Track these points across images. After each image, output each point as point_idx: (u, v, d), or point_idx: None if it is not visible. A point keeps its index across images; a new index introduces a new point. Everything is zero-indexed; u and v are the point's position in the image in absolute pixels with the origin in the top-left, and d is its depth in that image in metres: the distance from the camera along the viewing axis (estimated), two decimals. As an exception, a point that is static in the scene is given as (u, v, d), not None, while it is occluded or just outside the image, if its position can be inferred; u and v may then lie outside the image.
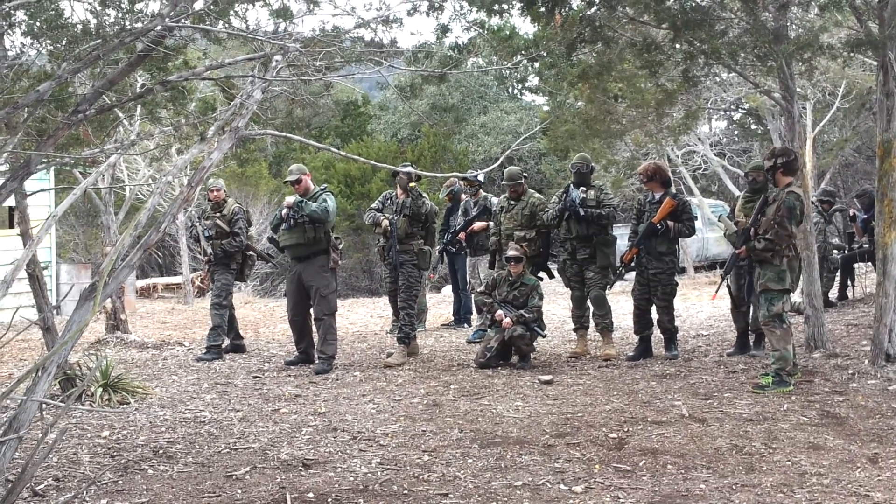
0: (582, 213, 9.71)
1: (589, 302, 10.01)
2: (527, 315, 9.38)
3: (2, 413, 6.91)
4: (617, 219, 10.02)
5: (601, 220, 9.76)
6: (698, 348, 10.34)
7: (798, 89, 9.89)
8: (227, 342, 10.89)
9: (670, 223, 9.45)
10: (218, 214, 10.89)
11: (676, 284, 9.80)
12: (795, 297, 10.31)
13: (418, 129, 31.47)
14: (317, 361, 9.60)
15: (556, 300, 16.33)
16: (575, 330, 10.39)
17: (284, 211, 9.60)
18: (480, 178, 12.07)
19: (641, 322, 9.74)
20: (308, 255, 9.64)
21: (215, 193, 11.02)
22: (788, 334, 7.97)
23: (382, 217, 10.08)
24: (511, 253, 9.62)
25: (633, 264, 9.69)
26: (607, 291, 10.08)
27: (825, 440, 6.18)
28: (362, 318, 15.15)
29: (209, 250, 10.86)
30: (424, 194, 10.39)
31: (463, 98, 33.39)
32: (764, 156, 8.40)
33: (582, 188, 9.87)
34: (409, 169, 10.06)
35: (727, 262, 8.97)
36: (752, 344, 9.73)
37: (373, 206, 10.46)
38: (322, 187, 9.90)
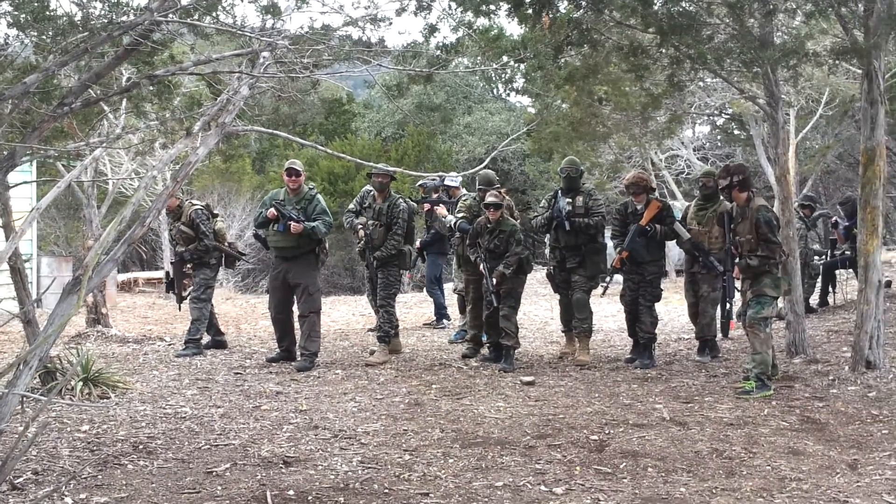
0: (568, 226, 9.67)
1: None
2: (505, 270, 9.37)
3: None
4: (605, 226, 10.02)
5: (589, 230, 9.72)
6: (679, 352, 10.37)
7: (783, 96, 9.93)
8: (207, 338, 10.83)
9: (657, 226, 9.43)
10: (178, 223, 10.64)
11: (661, 290, 9.82)
12: (777, 302, 10.37)
13: (402, 128, 31.47)
14: (299, 358, 9.58)
15: (537, 301, 16.36)
16: (564, 332, 10.40)
17: (271, 212, 9.49)
18: (458, 181, 12.05)
19: (634, 326, 9.73)
20: (296, 254, 9.63)
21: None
22: (770, 339, 8.04)
23: (360, 225, 10.02)
24: (489, 199, 9.53)
25: (622, 268, 9.61)
26: (601, 295, 10.10)
27: (805, 445, 6.21)
28: (344, 315, 15.12)
29: (184, 254, 10.61)
30: (402, 196, 10.37)
31: (448, 98, 33.41)
32: (718, 174, 8.46)
33: (568, 199, 9.79)
34: (382, 166, 10.04)
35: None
36: (696, 350, 9.87)
37: (350, 207, 10.41)
38: (310, 187, 9.86)
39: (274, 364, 9.67)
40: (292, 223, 9.34)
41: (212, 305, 10.86)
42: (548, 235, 10.19)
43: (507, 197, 10.31)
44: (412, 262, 10.61)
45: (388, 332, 10.06)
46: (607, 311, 14.16)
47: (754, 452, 6.04)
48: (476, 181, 10.67)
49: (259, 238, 9.97)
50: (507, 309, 9.45)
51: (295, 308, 9.85)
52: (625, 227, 9.69)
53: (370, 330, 12.62)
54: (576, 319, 9.92)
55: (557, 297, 10.37)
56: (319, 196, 9.80)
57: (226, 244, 10.94)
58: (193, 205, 10.71)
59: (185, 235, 10.56)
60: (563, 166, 10.04)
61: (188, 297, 10.77)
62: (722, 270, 8.71)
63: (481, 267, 9.56)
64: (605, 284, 10.04)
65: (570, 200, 9.79)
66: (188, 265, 10.62)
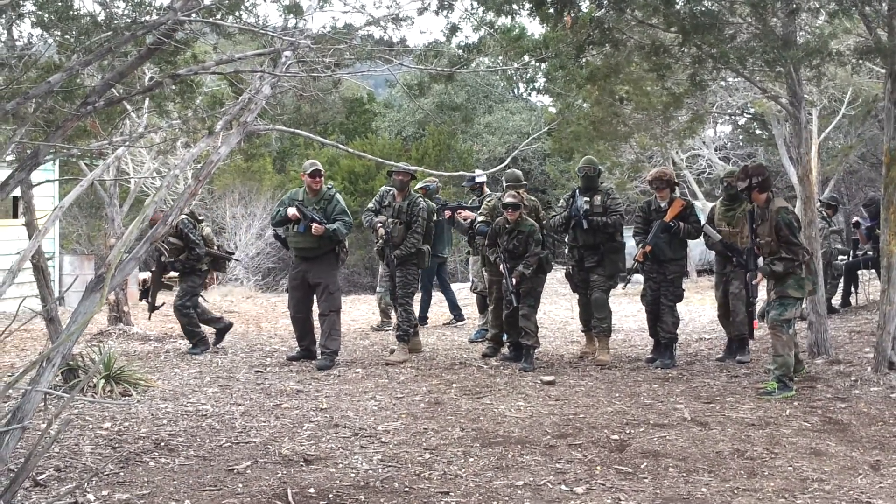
0: (586, 224, 9.68)
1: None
2: (525, 270, 9.36)
3: (4, 403, 6.93)
4: (624, 224, 9.97)
5: (607, 229, 9.73)
6: (700, 352, 10.35)
7: (805, 95, 9.88)
8: (213, 332, 10.76)
9: (681, 223, 9.42)
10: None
11: (683, 290, 9.78)
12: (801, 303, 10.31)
13: (423, 128, 31.48)
14: (319, 357, 9.60)
15: (557, 300, 16.34)
16: (583, 331, 10.39)
17: (291, 213, 9.48)
18: (483, 178, 12.03)
19: (655, 325, 9.70)
20: (317, 254, 9.64)
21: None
22: (792, 340, 7.99)
23: (379, 224, 10.03)
24: (508, 200, 9.49)
25: (644, 264, 9.58)
26: (622, 290, 10.02)
27: (827, 446, 6.18)
28: (364, 314, 15.13)
29: (174, 264, 10.45)
30: (421, 196, 10.40)
31: (468, 97, 33.40)
32: (737, 175, 8.38)
33: (586, 198, 9.79)
34: (403, 165, 10.04)
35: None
36: (735, 350, 9.73)
37: (369, 206, 10.42)
38: (329, 186, 9.85)
39: (294, 362, 9.70)
40: (314, 224, 9.36)
41: (199, 303, 10.73)
42: (566, 235, 10.17)
43: (533, 198, 10.30)
44: (429, 261, 10.61)
45: (407, 330, 10.07)
46: (627, 310, 14.13)
47: (776, 453, 6.01)
48: (503, 180, 10.59)
49: (279, 238, 9.97)
50: (527, 308, 9.43)
51: (315, 307, 9.87)
52: (647, 224, 9.69)
53: (374, 328, 12.68)
54: (595, 319, 9.92)
55: (576, 296, 10.34)
56: (339, 196, 9.82)
57: (214, 248, 10.84)
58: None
59: (173, 246, 10.34)
60: (581, 165, 10.05)
61: (160, 306, 10.63)
62: (746, 270, 8.63)
63: (501, 267, 9.53)
64: (627, 279, 9.97)
65: (588, 199, 9.78)
66: (167, 275, 10.39)
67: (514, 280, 9.38)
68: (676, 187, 10.01)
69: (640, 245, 9.58)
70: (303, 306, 9.88)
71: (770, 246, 8.04)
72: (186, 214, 10.30)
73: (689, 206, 9.61)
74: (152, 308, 10.79)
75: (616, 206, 9.84)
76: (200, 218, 10.83)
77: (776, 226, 7.96)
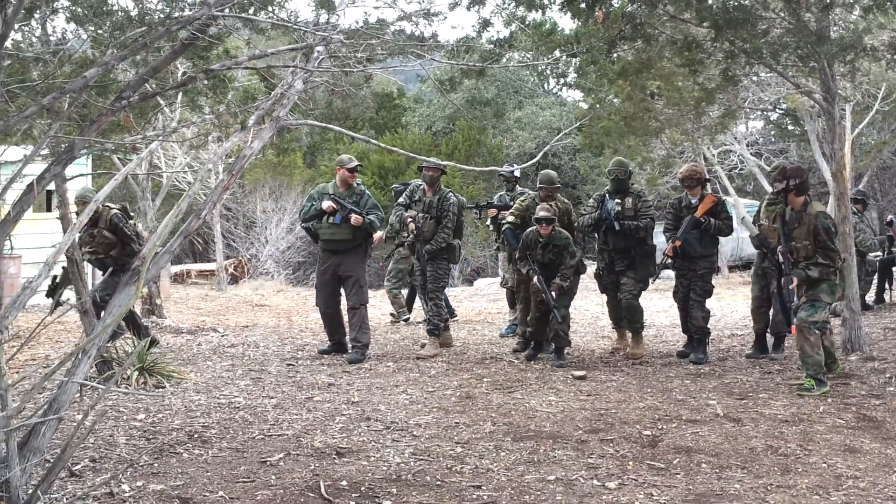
0: (617, 227, 9.59)
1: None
2: (563, 283, 9.25)
3: (40, 394, 7.00)
4: (654, 227, 9.85)
5: (639, 233, 9.63)
6: (733, 348, 10.29)
7: (839, 91, 9.80)
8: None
9: (711, 219, 9.35)
10: (95, 228, 9.77)
11: (713, 286, 9.72)
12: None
13: (453, 123, 31.46)
14: (351, 350, 9.63)
15: (588, 296, 16.27)
16: (614, 327, 10.35)
17: (327, 205, 9.50)
18: (516, 173, 11.92)
19: (687, 321, 9.65)
20: (349, 247, 9.66)
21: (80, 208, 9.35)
22: (819, 341, 7.92)
23: (409, 219, 10.02)
24: (541, 214, 9.26)
25: (674, 260, 9.52)
26: (651, 281, 9.91)
27: (861, 443, 6.14)
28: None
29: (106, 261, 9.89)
30: (451, 190, 10.37)
31: (498, 92, 33.34)
32: (774, 176, 8.29)
33: (617, 200, 9.69)
34: (434, 160, 10.03)
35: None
36: (770, 347, 9.65)
37: (400, 200, 10.44)
38: (358, 182, 9.84)
39: (325, 356, 9.73)
40: (353, 215, 9.40)
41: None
42: (596, 236, 10.04)
43: (566, 200, 10.21)
44: (460, 255, 10.59)
45: (437, 324, 10.08)
46: (659, 306, 14.09)
47: (810, 450, 5.98)
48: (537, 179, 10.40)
49: (309, 231, 9.94)
50: (564, 310, 9.36)
51: (343, 300, 9.90)
52: (678, 220, 9.60)
53: (393, 322, 12.69)
54: (627, 321, 9.89)
55: (605, 297, 10.29)
56: (368, 191, 9.87)
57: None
58: (111, 209, 9.90)
59: (106, 241, 9.82)
60: (612, 168, 9.91)
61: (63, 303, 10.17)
62: (780, 274, 8.48)
63: (535, 280, 9.31)
64: (656, 274, 9.86)
65: (620, 202, 9.70)
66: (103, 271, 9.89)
67: (553, 293, 9.22)
68: (707, 184, 9.94)
69: (671, 240, 9.50)
70: (332, 301, 9.91)
71: (806, 249, 7.93)
72: (118, 208, 9.96)
73: (720, 203, 9.51)
74: (56, 305, 9.63)
75: (647, 208, 9.76)
76: (131, 214, 10.35)
77: (814, 230, 7.85)
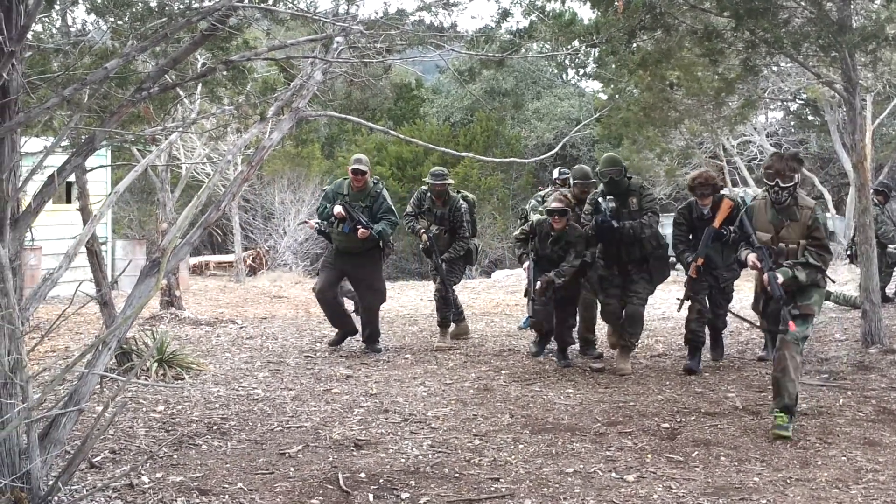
0: (616, 224, 8.34)
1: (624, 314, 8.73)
2: (556, 279, 8.47)
3: (60, 386, 7.03)
4: (658, 220, 8.69)
5: (643, 231, 8.37)
6: (752, 340, 10.24)
7: (860, 81, 9.71)
8: None
9: (730, 228, 8.10)
10: None
11: (733, 293, 9.28)
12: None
13: (471, 114, 31.42)
14: (365, 349, 9.54)
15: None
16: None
17: (337, 211, 9.14)
18: (563, 175, 11.42)
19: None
20: (360, 252, 9.44)
21: None
22: (802, 363, 6.79)
23: (422, 230, 9.88)
24: (554, 205, 8.41)
25: (702, 283, 8.53)
26: (678, 310, 8.90)
27: (881, 436, 6.10)
28: (412, 301, 15.17)
29: None
30: (461, 195, 10.23)
31: (517, 83, 33.26)
32: (783, 172, 6.55)
33: (610, 196, 8.47)
34: (440, 170, 9.91)
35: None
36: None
37: (408, 210, 10.20)
38: (375, 181, 9.53)
39: (343, 348, 9.69)
40: (360, 228, 9.10)
41: None
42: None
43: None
44: (477, 257, 10.54)
45: (446, 316, 10.05)
46: (676, 297, 14.03)
47: (829, 443, 5.96)
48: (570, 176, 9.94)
49: (322, 233, 9.77)
50: (570, 320, 9.01)
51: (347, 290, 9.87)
52: (690, 232, 8.65)
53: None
54: (626, 332, 8.66)
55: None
56: (385, 192, 9.53)
57: None
58: None
59: None
60: (603, 170, 8.58)
61: None
62: (762, 270, 6.81)
63: (524, 266, 8.77)
64: (681, 301, 8.71)
65: (622, 202, 8.52)
66: None
67: (538, 285, 8.53)
68: (723, 187, 9.26)
69: (690, 258, 8.43)
70: (328, 285, 9.56)
71: (797, 250, 6.61)
72: None
73: (737, 208, 8.07)
74: None
75: (650, 202, 8.62)
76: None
77: (812, 226, 6.55)
